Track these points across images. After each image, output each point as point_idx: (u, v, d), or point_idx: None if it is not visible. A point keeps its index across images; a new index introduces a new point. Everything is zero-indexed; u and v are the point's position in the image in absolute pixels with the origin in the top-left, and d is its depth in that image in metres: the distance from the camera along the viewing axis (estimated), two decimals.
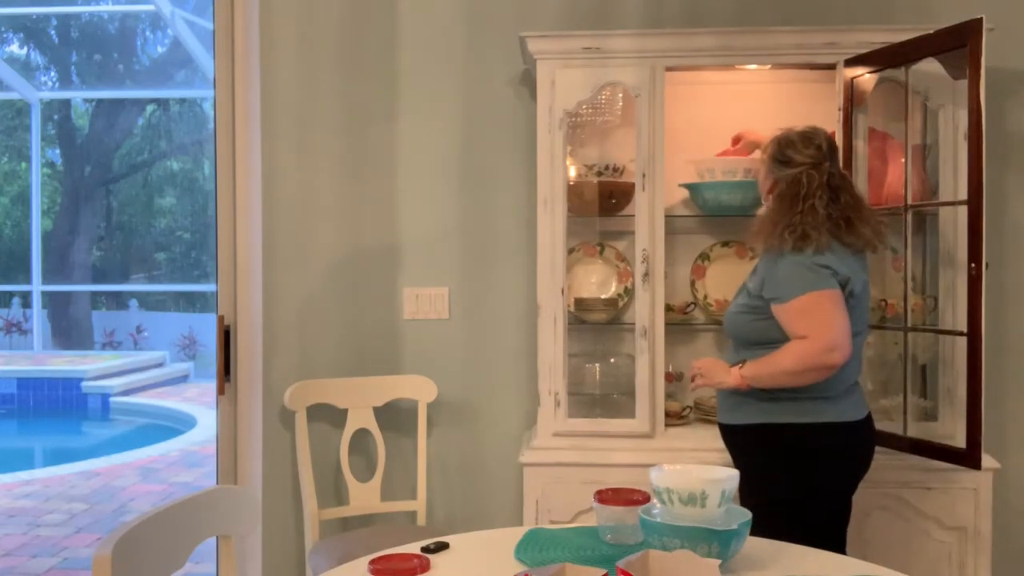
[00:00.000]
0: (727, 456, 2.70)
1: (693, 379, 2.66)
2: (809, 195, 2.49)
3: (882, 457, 2.65)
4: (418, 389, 3.24)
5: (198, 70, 12.51)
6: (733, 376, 2.51)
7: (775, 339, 2.47)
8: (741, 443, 2.58)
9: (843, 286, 2.45)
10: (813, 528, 2.35)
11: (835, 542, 2.47)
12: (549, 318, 2.97)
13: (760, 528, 2.32)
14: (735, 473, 1.89)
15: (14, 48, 14.19)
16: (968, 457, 2.61)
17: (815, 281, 2.43)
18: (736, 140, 3.07)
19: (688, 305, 3.20)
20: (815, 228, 2.45)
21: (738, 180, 3.06)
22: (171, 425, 8.97)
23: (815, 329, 2.41)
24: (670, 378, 3.15)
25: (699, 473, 1.90)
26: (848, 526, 2.56)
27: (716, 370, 2.58)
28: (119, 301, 14.71)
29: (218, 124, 3.14)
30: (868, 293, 2.58)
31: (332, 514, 3.18)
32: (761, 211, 2.67)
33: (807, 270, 2.43)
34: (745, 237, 2.97)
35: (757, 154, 3.04)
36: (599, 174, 3.19)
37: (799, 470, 2.47)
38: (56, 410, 10.15)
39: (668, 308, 3.05)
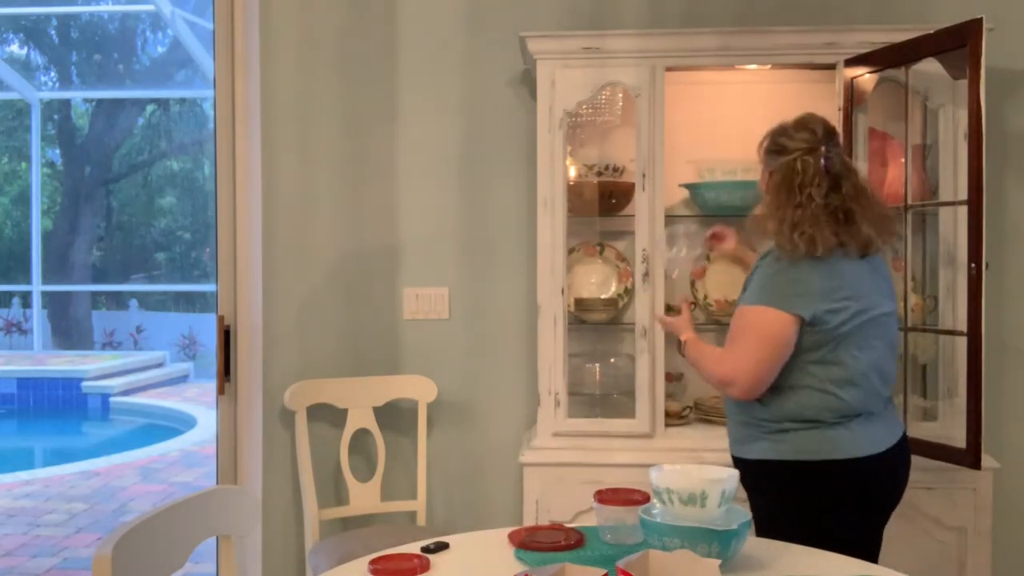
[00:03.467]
0: (727, 456, 2.69)
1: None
2: (805, 183, 2.29)
3: None
4: (418, 389, 3.24)
5: (198, 70, 12.52)
6: (688, 335, 2.51)
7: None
8: (748, 479, 2.31)
9: (831, 310, 2.22)
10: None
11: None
12: (549, 318, 2.97)
13: None
14: (735, 473, 1.89)
15: (14, 48, 14.20)
16: (968, 457, 2.61)
17: (773, 296, 2.24)
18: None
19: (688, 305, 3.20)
20: (816, 225, 2.23)
21: (738, 180, 3.07)
22: (171, 425, 8.97)
23: (729, 354, 2.30)
24: (670, 378, 3.15)
25: (699, 473, 1.89)
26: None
27: (681, 324, 2.57)
28: (119, 301, 14.72)
29: (218, 124, 3.14)
30: (878, 302, 2.33)
31: (332, 514, 3.18)
32: (758, 209, 2.43)
33: (785, 283, 2.25)
34: (748, 237, 2.80)
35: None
36: (599, 174, 3.19)
37: (804, 513, 2.26)
38: (56, 410, 10.15)
39: (668, 308, 3.05)
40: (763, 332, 2.25)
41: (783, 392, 2.29)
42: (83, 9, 13.99)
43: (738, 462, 2.39)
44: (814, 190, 2.28)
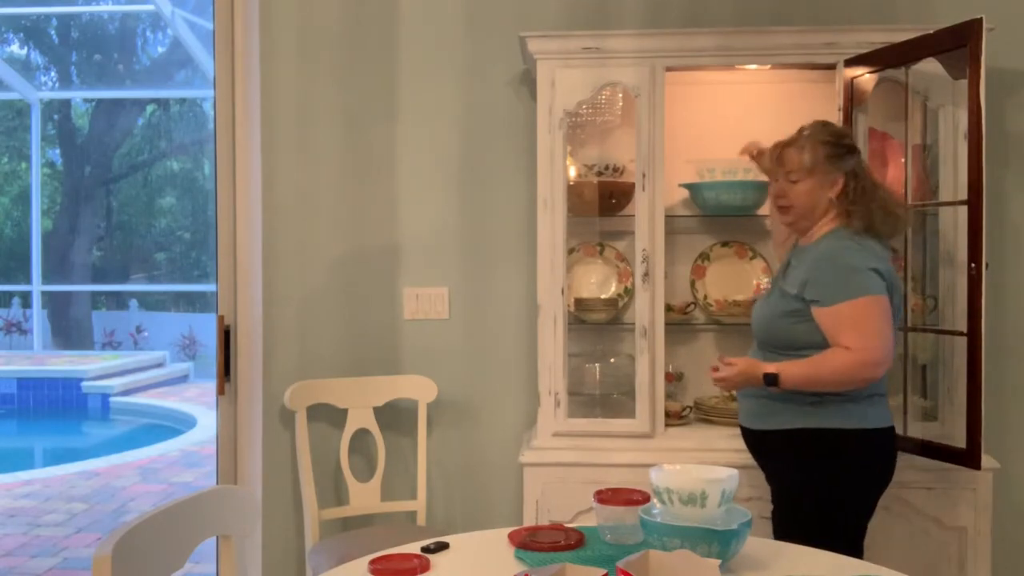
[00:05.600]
0: (727, 456, 2.70)
1: (717, 370, 2.47)
2: (876, 182, 2.47)
3: None
4: (418, 389, 3.24)
5: (198, 70, 12.51)
6: (774, 367, 2.37)
7: (816, 343, 2.38)
8: (772, 448, 2.50)
9: (890, 293, 2.37)
10: (842, 533, 2.34)
11: (858, 549, 2.44)
12: (549, 318, 2.97)
13: (788, 531, 2.31)
14: (734, 473, 1.89)
15: (14, 48, 14.19)
16: (968, 457, 2.61)
17: (866, 285, 2.33)
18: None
19: (688, 305, 3.20)
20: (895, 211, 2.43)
21: (738, 180, 3.07)
22: (171, 425, 8.97)
23: (863, 341, 2.30)
24: (670, 378, 3.15)
25: (699, 473, 1.90)
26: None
27: (748, 363, 2.42)
28: (119, 301, 14.72)
29: (218, 124, 3.13)
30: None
31: (332, 514, 3.18)
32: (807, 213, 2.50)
33: (857, 272, 2.34)
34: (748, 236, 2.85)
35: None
36: (599, 174, 3.19)
37: (833, 475, 2.39)
38: (56, 410, 10.15)
39: (668, 308, 3.05)
40: (882, 312, 2.33)
41: None
42: (83, 9, 13.98)
43: (760, 434, 2.50)
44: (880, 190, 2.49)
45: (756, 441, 2.55)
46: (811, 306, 2.38)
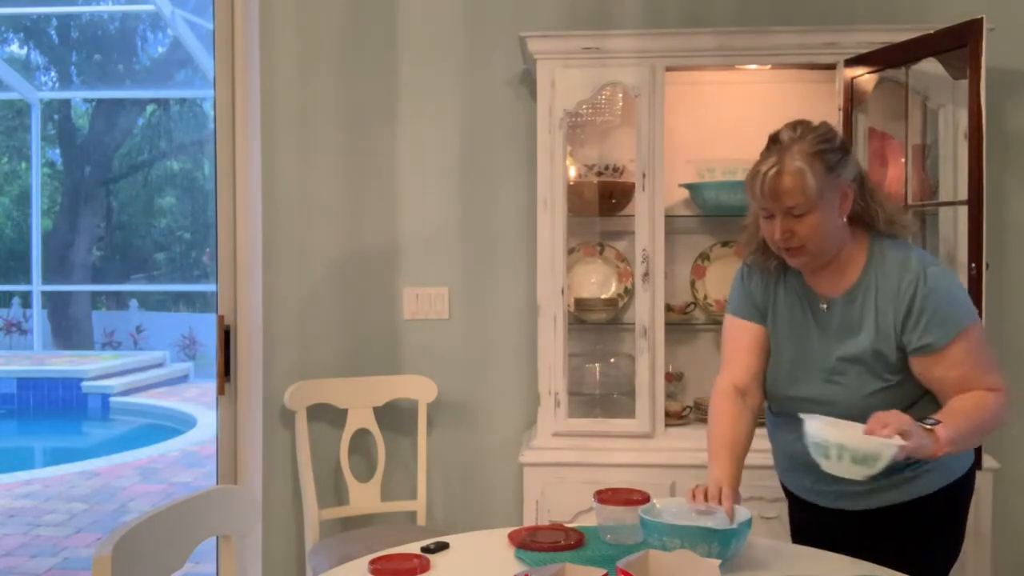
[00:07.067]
0: None
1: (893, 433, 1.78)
2: (875, 183, 2.12)
3: None
4: (418, 389, 3.24)
5: (198, 70, 12.52)
6: (940, 445, 1.83)
7: (914, 398, 2.02)
8: (891, 525, 2.05)
9: None
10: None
11: None
12: (549, 318, 2.97)
13: None
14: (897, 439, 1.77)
15: (14, 48, 14.20)
16: None
17: (970, 305, 2.01)
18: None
19: (688, 305, 3.20)
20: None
21: (738, 180, 3.06)
22: (171, 425, 8.97)
23: (997, 378, 1.96)
24: (670, 378, 3.15)
25: (858, 432, 1.80)
26: None
27: (918, 432, 1.80)
28: (119, 301, 14.72)
29: (218, 124, 3.13)
30: None
31: (332, 514, 3.18)
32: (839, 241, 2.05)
33: (955, 288, 2.01)
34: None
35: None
36: (599, 174, 3.19)
37: (955, 529, 2.13)
38: (56, 410, 10.15)
39: (668, 308, 3.05)
40: (987, 338, 2.05)
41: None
42: (83, 9, 13.98)
43: (871, 513, 2.06)
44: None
45: (861, 521, 2.08)
46: (920, 353, 1.96)
